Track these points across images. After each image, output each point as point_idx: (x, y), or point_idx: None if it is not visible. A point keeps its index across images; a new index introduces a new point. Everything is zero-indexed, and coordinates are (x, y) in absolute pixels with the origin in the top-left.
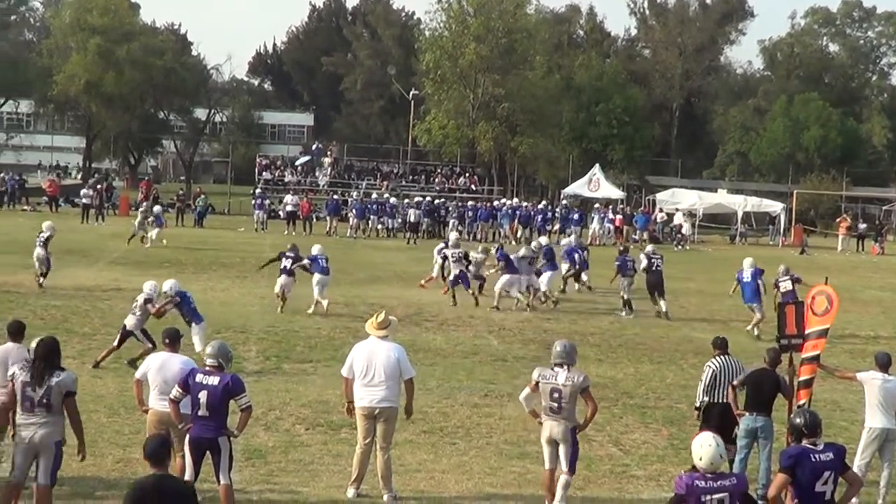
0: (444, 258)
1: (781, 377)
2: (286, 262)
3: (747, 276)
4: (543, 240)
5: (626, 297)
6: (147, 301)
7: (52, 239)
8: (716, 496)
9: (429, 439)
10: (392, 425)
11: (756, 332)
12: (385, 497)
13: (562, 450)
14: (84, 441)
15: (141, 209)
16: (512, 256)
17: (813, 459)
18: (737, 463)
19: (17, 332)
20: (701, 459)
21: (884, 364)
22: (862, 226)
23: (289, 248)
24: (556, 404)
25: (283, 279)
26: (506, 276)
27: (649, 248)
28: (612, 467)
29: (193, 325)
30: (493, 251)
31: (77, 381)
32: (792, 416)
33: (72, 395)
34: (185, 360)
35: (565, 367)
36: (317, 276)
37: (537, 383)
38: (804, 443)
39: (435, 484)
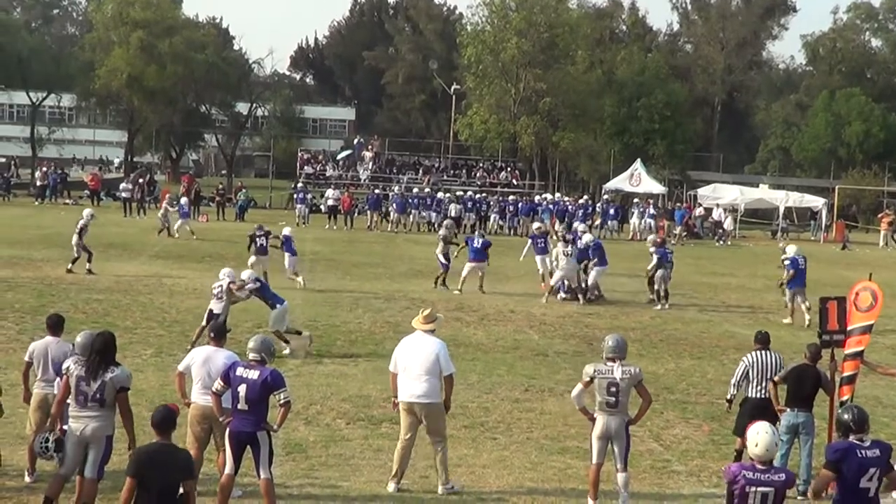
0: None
1: (823, 373)
2: (261, 241)
3: (802, 262)
4: (588, 236)
5: (662, 289)
6: (231, 283)
7: (86, 228)
8: (761, 489)
9: (469, 434)
10: (436, 420)
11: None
12: (440, 489)
13: (616, 446)
14: (134, 437)
15: (164, 202)
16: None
17: (859, 455)
18: (778, 458)
19: (56, 325)
20: (756, 446)
21: None
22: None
23: (256, 227)
24: (612, 398)
25: (255, 258)
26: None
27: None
28: (653, 462)
29: (278, 306)
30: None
31: (131, 377)
32: (839, 411)
33: (125, 390)
34: (229, 355)
35: (618, 361)
36: (287, 258)
37: (591, 379)
38: (851, 438)
39: (475, 479)
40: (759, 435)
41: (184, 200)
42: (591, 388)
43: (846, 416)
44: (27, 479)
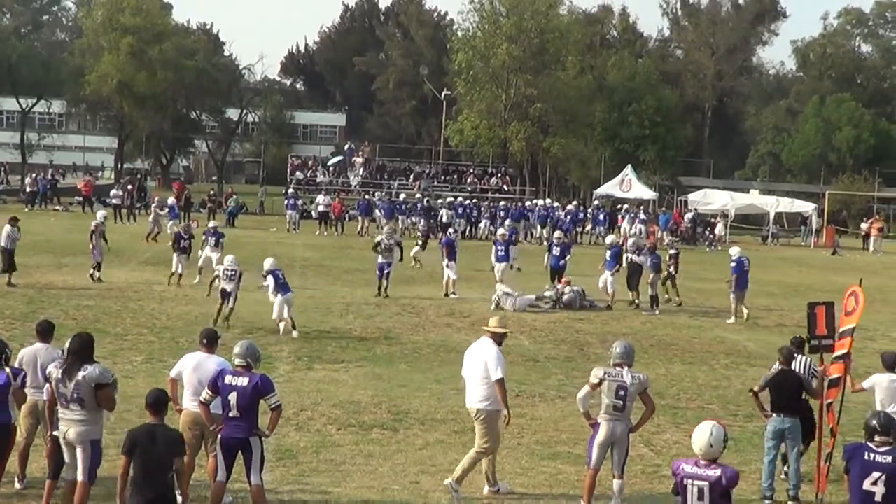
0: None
1: (804, 377)
2: (184, 244)
3: (746, 264)
4: (610, 238)
5: (651, 293)
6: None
7: (96, 231)
8: (697, 483)
9: (460, 439)
10: (483, 426)
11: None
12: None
13: (616, 452)
14: None
15: (153, 205)
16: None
17: (866, 458)
18: (765, 465)
19: (45, 332)
20: (693, 444)
21: (890, 364)
22: (864, 225)
23: (183, 227)
24: (621, 402)
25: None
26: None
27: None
28: (644, 468)
29: (280, 295)
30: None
31: (106, 373)
32: (868, 416)
33: (103, 387)
34: (221, 362)
35: (625, 367)
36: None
37: (600, 382)
38: (873, 441)
39: (466, 484)
40: (697, 433)
41: (171, 200)
42: (596, 393)
43: (873, 422)
44: (17, 485)
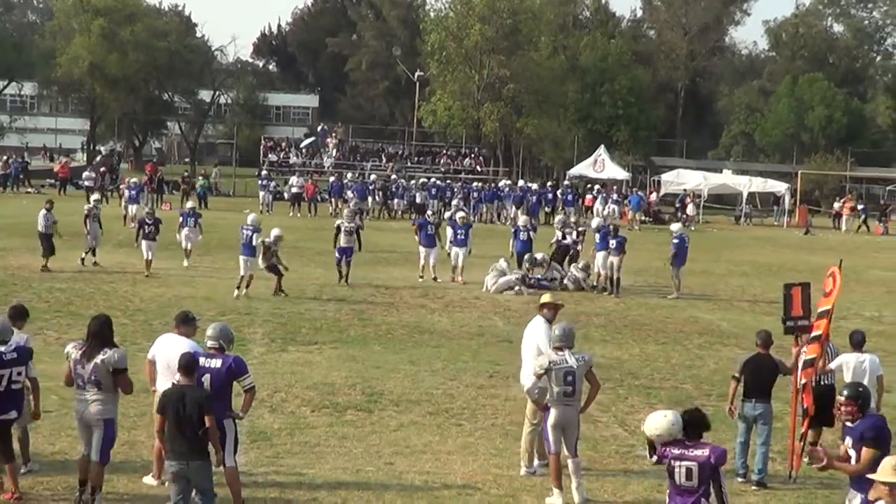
0: (338, 230)
1: (779, 360)
2: (150, 228)
3: (686, 240)
4: (596, 221)
5: (616, 275)
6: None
7: (89, 215)
8: (685, 464)
9: (434, 420)
10: (534, 404)
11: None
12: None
13: (568, 434)
14: None
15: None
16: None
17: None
18: (737, 445)
19: (16, 316)
20: (654, 429)
21: (858, 343)
22: (836, 205)
23: (146, 213)
24: (570, 388)
25: (146, 243)
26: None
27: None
28: (618, 448)
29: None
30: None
31: (125, 358)
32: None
33: (120, 372)
34: (191, 344)
35: (566, 349)
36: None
37: (545, 372)
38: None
39: (440, 465)
40: (654, 419)
41: (133, 181)
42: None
43: (844, 391)
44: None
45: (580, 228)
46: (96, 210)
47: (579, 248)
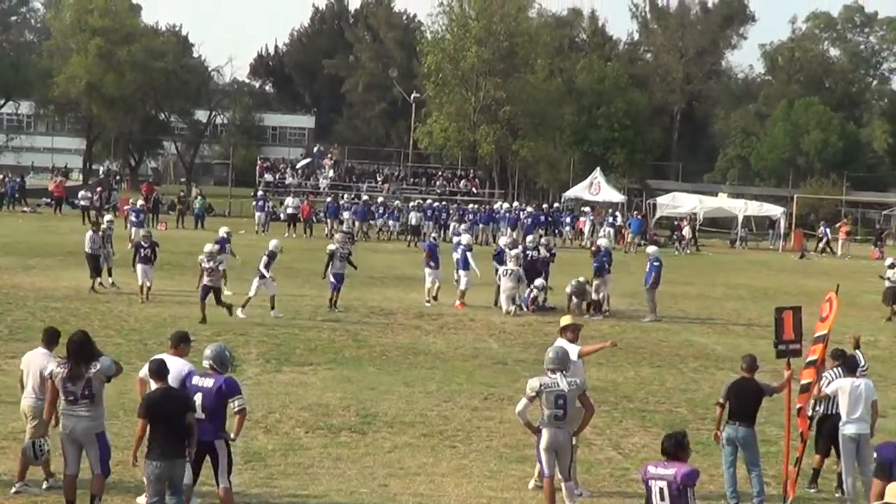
0: (332, 256)
1: (764, 384)
2: (146, 252)
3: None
4: (604, 241)
5: (595, 297)
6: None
7: (103, 236)
8: (658, 483)
9: (428, 442)
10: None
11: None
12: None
13: (561, 457)
14: None
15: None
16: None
17: None
18: (725, 472)
19: (50, 339)
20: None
21: (853, 367)
22: (820, 230)
23: (143, 236)
24: (560, 411)
25: (140, 267)
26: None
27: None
28: (612, 471)
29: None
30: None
31: (114, 364)
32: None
33: (111, 377)
34: (184, 363)
35: (559, 372)
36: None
37: (536, 394)
38: None
39: (434, 487)
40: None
41: (140, 203)
42: (536, 403)
43: None
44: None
45: (553, 250)
46: (110, 231)
47: (549, 267)
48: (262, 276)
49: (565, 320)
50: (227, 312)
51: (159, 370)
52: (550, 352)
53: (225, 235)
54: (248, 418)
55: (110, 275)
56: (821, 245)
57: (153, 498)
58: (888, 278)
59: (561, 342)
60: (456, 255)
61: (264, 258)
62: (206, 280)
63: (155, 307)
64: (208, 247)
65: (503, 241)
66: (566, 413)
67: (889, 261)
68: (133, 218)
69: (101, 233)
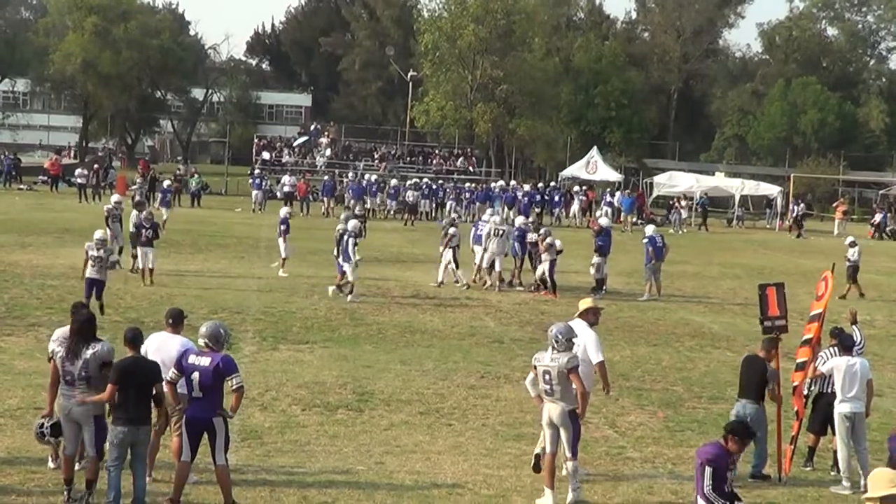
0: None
1: (770, 367)
2: (147, 233)
3: (659, 241)
4: (605, 221)
5: (598, 276)
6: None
7: (110, 216)
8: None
9: (425, 420)
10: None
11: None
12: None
13: (562, 434)
14: None
15: (135, 187)
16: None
17: None
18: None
19: (134, 339)
20: None
21: (849, 346)
22: (795, 208)
23: (144, 217)
24: (547, 386)
25: (141, 250)
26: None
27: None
28: (608, 449)
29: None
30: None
31: (113, 351)
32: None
33: (109, 364)
34: (184, 342)
35: (552, 349)
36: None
37: (534, 368)
38: None
39: (431, 465)
40: None
41: (167, 183)
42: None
43: None
44: (51, 464)
45: (542, 231)
46: (117, 211)
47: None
48: (350, 260)
49: (585, 303)
50: (100, 312)
51: (134, 339)
52: (553, 328)
53: (286, 216)
54: (245, 396)
55: (120, 253)
56: (787, 223)
57: (114, 462)
58: (848, 258)
59: (578, 323)
60: (512, 241)
61: (350, 240)
62: (90, 272)
63: (150, 285)
64: (98, 233)
65: (519, 220)
66: (552, 389)
67: (849, 239)
68: (162, 196)
69: (106, 213)
